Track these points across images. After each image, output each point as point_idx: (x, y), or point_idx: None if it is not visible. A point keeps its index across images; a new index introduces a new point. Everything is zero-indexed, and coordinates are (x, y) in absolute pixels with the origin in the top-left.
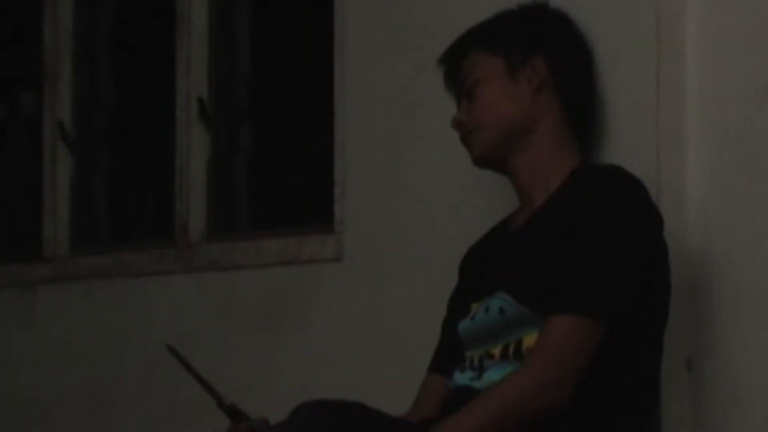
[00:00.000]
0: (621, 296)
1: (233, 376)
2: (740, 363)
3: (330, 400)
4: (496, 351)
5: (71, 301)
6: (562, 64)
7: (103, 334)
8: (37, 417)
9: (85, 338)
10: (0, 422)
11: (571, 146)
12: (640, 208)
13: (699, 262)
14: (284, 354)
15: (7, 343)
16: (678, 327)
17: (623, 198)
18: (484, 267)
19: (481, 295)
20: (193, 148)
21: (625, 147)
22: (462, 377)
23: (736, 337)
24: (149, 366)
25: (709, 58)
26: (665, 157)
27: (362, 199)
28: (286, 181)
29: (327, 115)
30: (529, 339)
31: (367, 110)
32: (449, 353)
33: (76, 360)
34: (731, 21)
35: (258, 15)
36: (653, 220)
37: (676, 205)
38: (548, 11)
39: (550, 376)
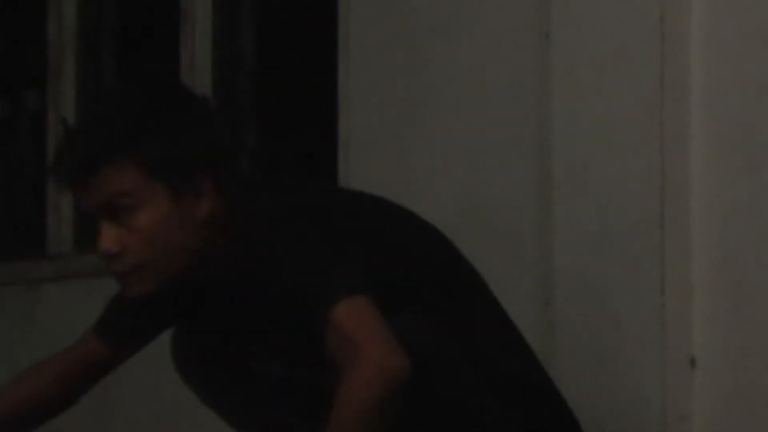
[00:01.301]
0: (352, 275)
1: None
2: (744, 361)
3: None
4: None
5: (75, 299)
6: (226, 172)
7: None
8: None
9: None
10: None
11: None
12: (304, 219)
13: (703, 260)
14: None
15: (11, 341)
16: (682, 325)
17: (291, 229)
18: None
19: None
20: None
21: (629, 145)
22: None
23: (740, 335)
24: (153, 364)
25: (714, 56)
26: (669, 156)
27: None
28: (290, 179)
29: (331, 113)
30: None
31: (372, 108)
32: None
33: None
34: (736, 19)
35: (262, 13)
36: (325, 214)
37: (680, 203)
38: (202, 112)
39: (374, 357)
